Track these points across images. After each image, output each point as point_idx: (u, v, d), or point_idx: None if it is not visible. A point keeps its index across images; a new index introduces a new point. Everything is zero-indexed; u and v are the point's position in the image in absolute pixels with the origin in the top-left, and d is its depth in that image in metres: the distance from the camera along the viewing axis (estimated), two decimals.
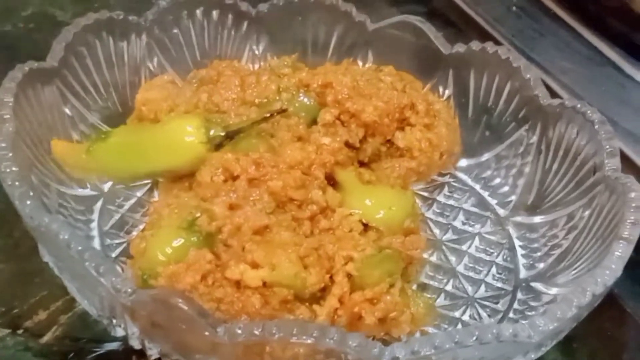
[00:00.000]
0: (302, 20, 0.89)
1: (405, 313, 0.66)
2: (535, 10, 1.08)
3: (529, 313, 0.68)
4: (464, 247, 0.78)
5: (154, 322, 0.57)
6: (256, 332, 0.52)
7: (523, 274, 0.75)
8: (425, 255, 0.74)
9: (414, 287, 0.72)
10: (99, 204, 0.77)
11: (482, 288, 0.74)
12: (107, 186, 0.78)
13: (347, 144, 0.75)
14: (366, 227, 0.70)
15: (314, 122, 0.76)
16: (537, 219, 0.77)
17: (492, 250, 0.77)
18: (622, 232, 0.62)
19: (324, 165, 0.71)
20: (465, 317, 0.71)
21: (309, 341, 0.52)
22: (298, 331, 0.52)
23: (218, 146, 0.72)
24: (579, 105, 0.74)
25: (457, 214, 0.82)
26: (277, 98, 0.77)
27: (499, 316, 0.71)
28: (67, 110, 0.77)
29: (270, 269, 0.63)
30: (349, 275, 0.65)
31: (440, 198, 0.83)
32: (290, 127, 0.74)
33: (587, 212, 0.71)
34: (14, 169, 0.61)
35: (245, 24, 0.88)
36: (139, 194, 0.79)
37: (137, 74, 0.84)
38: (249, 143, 0.72)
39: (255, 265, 0.63)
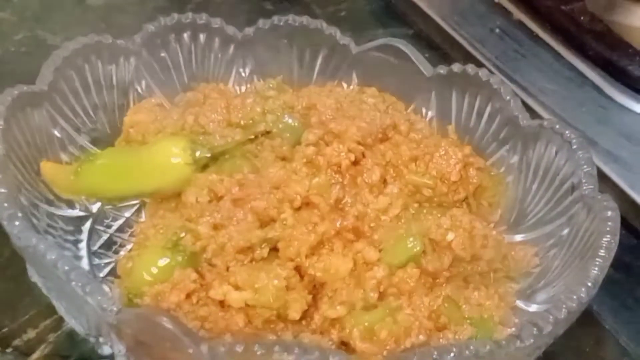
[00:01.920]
0: (288, 44, 0.90)
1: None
2: (517, 32, 1.10)
3: (509, 330, 0.69)
4: None
5: (140, 340, 0.58)
6: (238, 350, 0.53)
7: None
8: None
9: None
10: (87, 225, 0.77)
11: None
12: (95, 207, 0.79)
13: None
14: None
15: (298, 142, 0.77)
16: (519, 237, 0.78)
17: None
18: (598, 250, 0.64)
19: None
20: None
21: (290, 359, 0.53)
22: (280, 349, 0.53)
23: (203, 167, 0.73)
24: (557, 126, 0.75)
25: None
26: (262, 119, 0.79)
27: None
28: (56, 133, 0.78)
29: (253, 292, 0.64)
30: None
31: None
32: (274, 147, 0.76)
33: (565, 231, 0.72)
34: (2, 190, 0.62)
35: (231, 47, 0.90)
36: (127, 214, 0.80)
37: (126, 96, 0.85)
38: (233, 164, 0.73)
39: (238, 287, 0.64)
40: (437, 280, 0.70)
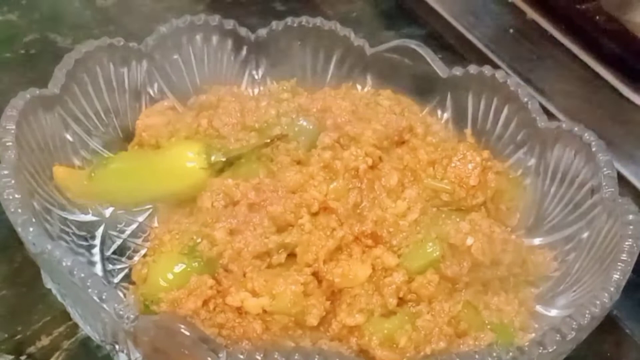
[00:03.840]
0: (301, 45, 0.89)
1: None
2: (532, 33, 1.09)
3: (529, 335, 0.68)
4: None
5: (157, 347, 0.57)
6: (258, 358, 0.52)
7: None
8: None
9: None
10: (100, 230, 0.77)
11: None
12: (108, 212, 0.78)
13: None
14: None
15: (313, 146, 0.76)
16: (537, 241, 0.77)
17: None
18: (620, 254, 0.63)
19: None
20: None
21: None
22: (300, 356, 0.52)
23: (218, 171, 0.72)
24: (576, 129, 0.74)
25: None
26: (277, 123, 0.78)
27: None
28: (68, 137, 0.77)
29: (271, 298, 0.63)
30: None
31: None
32: (290, 151, 0.75)
33: (585, 234, 0.71)
34: (16, 195, 0.62)
35: (244, 49, 0.89)
36: (140, 219, 0.79)
37: (138, 99, 0.84)
38: (249, 168, 0.73)
39: (255, 294, 0.63)
40: (457, 286, 0.69)
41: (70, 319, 0.67)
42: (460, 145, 0.77)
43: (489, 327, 0.67)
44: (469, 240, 0.68)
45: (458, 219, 0.70)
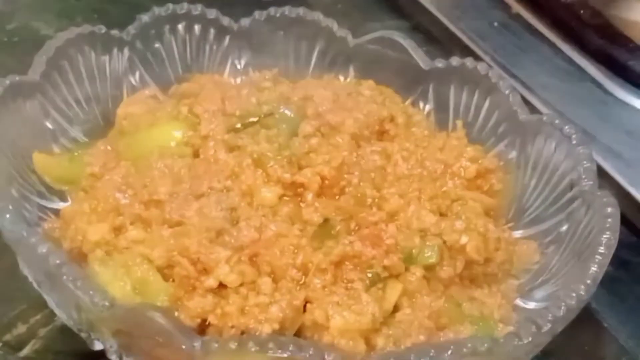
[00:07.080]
0: (284, 35, 0.89)
1: None
2: (516, 26, 1.09)
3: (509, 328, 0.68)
4: None
5: (132, 335, 0.57)
6: (232, 347, 0.52)
7: None
8: None
9: None
10: None
11: None
12: None
13: None
14: None
15: (294, 134, 0.75)
16: (517, 234, 0.77)
17: None
18: (598, 247, 0.63)
19: None
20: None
21: (285, 355, 0.52)
22: (274, 346, 0.52)
23: None
24: (557, 121, 0.74)
25: None
26: (258, 111, 0.77)
27: None
28: (48, 124, 0.76)
29: None
30: None
31: None
32: (270, 138, 0.74)
33: (564, 227, 0.71)
34: None
35: (227, 39, 0.88)
36: None
37: (119, 88, 0.84)
38: None
39: None
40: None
41: (47, 307, 0.67)
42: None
43: (469, 320, 0.67)
44: (464, 239, 0.68)
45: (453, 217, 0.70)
